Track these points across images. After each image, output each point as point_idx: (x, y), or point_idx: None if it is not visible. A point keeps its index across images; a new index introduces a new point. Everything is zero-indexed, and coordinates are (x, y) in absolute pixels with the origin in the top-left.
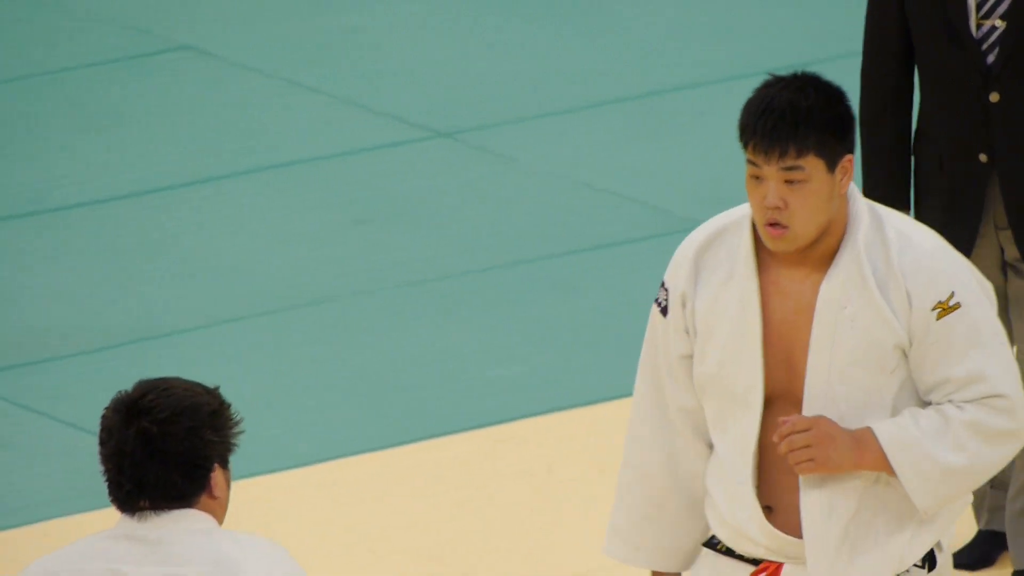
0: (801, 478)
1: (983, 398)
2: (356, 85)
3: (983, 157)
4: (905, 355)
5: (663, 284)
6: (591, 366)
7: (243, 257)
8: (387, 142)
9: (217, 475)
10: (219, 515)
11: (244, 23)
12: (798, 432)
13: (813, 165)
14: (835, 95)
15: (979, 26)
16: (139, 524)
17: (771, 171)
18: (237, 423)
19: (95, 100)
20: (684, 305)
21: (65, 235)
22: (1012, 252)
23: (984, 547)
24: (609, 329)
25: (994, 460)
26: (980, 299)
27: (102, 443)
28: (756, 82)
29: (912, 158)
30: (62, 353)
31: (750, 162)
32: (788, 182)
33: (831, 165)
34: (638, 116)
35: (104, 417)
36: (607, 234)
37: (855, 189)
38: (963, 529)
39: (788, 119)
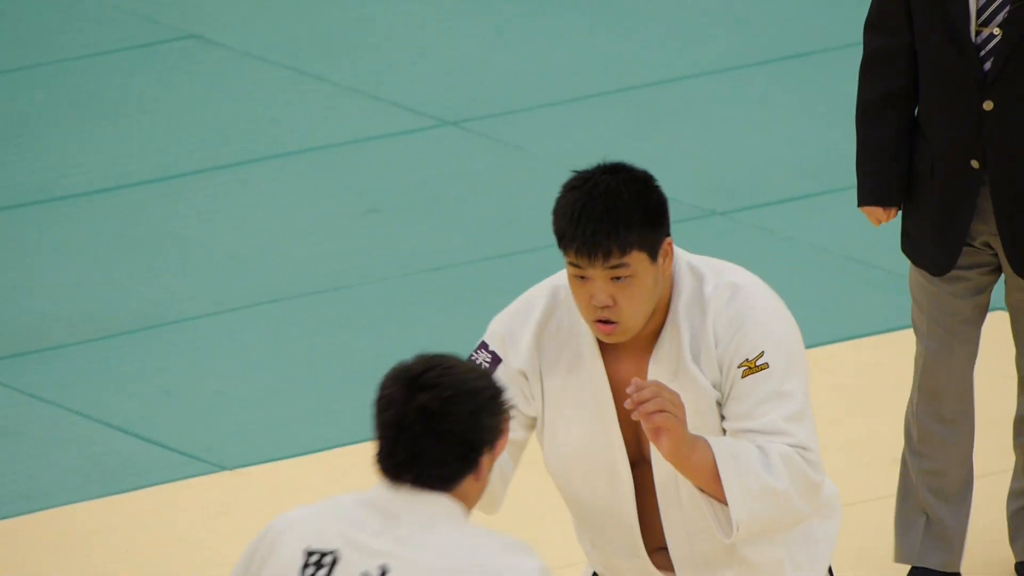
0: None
1: (789, 446)
2: (363, 74)
3: (975, 163)
4: None
5: (486, 347)
6: None
7: (252, 246)
8: (394, 131)
9: (486, 459)
10: (476, 498)
11: (251, 12)
12: (644, 391)
13: (637, 259)
14: (645, 183)
15: (978, 32)
16: (393, 496)
17: (596, 272)
18: (508, 410)
19: (102, 89)
20: (526, 378)
21: (73, 224)
22: (1002, 259)
23: None
24: None
25: (798, 503)
26: (793, 365)
27: (380, 410)
28: (765, 70)
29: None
30: (70, 341)
31: (573, 265)
32: (615, 279)
33: (653, 255)
34: (645, 105)
35: (384, 385)
36: None
37: (679, 254)
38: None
39: (607, 222)
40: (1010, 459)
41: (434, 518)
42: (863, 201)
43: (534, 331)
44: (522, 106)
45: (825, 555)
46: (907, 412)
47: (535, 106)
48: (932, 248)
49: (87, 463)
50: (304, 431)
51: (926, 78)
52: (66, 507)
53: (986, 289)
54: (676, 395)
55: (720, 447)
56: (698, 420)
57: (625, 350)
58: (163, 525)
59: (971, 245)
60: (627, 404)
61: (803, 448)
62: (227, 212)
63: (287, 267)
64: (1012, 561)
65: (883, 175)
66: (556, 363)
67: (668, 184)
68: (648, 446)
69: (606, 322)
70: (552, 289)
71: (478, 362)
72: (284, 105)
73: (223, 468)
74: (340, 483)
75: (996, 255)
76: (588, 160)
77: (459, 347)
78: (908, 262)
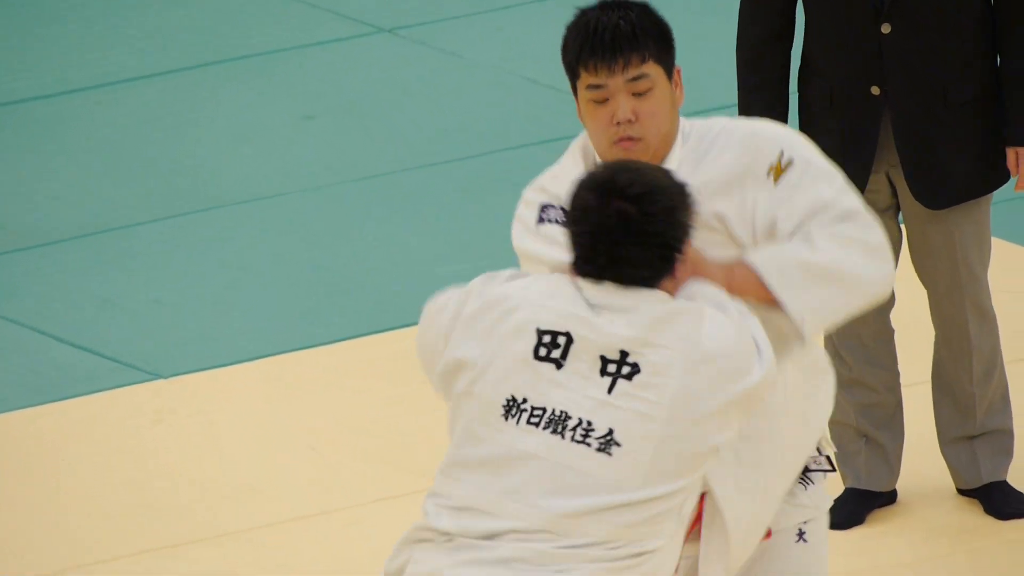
0: None
1: (836, 219)
2: None
3: (875, 90)
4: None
5: (547, 205)
6: None
7: (190, 154)
8: (330, 38)
9: (680, 256)
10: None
11: None
12: None
13: (655, 72)
14: (652, 10)
15: None
16: (605, 292)
17: (617, 85)
18: (695, 206)
19: None
20: None
21: (9, 132)
22: (903, 189)
23: (852, 505)
24: None
25: (863, 270)
26: (811, 150)
27: (575, 221)
28: None
29: (797, 96)
30: (7, 249)
31: (591, 87)
32: (636, 94)
33: (668, 73)
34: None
35: (576, 196)
36: (552, 129)
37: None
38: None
39: (624, 30)
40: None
41: (652, 303)
42: None
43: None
44: (457, 13)
45: (825, 411)
46: (828, 348)
47: (471, 12)
48: None
49: (25, 371)
50: (241, 339)
51: (816, 10)
52: (3, 415)
53: (891, 230)
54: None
55: (757, 257)
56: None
57: None
58: (101, 433)
59: (874, 175)
60: None
61: (852, 213)
62: (165, 120)
63: (225, 175)
64: (940, 475)
65: (771, 116)
66: None
67: None
68: None
69: (629, 139)
70: (582, 149)
71: (552, 218)
72: (221, 12)
73: (160, 376)
74: (277, 391)
75: (895, 192)
76: (524, 67)
77: (396, 255)
78: None
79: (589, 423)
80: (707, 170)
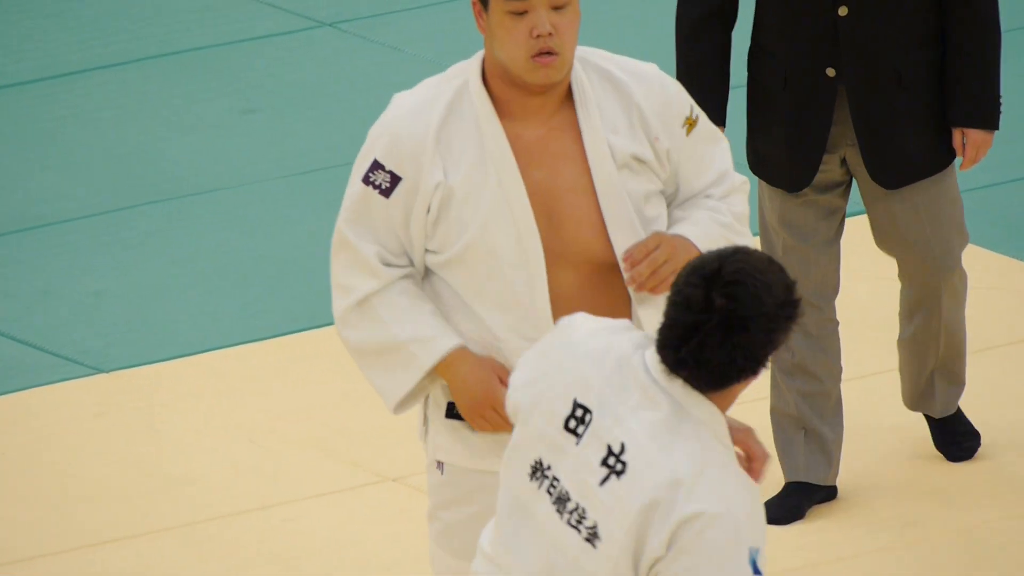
0: None
1: (731, 190)
2: None
3: (830, 71)
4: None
5: (378, 164)
6: None
7: (131, 146)
8: (272, 32)
9: (762, 369)
10: (731, 404)
11: None
12: (653, 251)
13: None
14: None
15: None
16: (664, 382)
17: (539, 0)
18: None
19: None
20: (419, 190)
21: None
22: (858, 168)
23: (792, 500)
24: None
25: (747, 238)
26: (698, 107)
27: (675, 304)
28: None
29: (747, 76)
30: None
31: None
32: (555, 8)
33: None
34: None
35: (685, 282)
36: None
37: None
38: (770, 483)
39: None
40: (880, 361)
41: (684, 420)
42: None
43: (435, 132)
44: (399, 7)
45: None
46: None
47: (412, 7)
48: (788, 163)
49: None
50: (183, 333)
51: None
52: None
53: (839, 211)
54: (672, 239)
55: (701, 241)
56: (633, 164)
57: (531, 113)
58: (42, 427)
59: (827, 155)
60: (630, 264)
61: (740, 185)
62: (107, 112)
63: (166, 167)
64: (880, 469)
65: (710, 94)
66: (460, 155)
67: None
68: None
69: (548, 53)
70: (461, 83)
71: (376, 183)
72: (163, 5)
73: (101, 370)
74: (219, 385)
75: (848, 172)
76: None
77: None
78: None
79: (584, 510)
80: (614, 106)
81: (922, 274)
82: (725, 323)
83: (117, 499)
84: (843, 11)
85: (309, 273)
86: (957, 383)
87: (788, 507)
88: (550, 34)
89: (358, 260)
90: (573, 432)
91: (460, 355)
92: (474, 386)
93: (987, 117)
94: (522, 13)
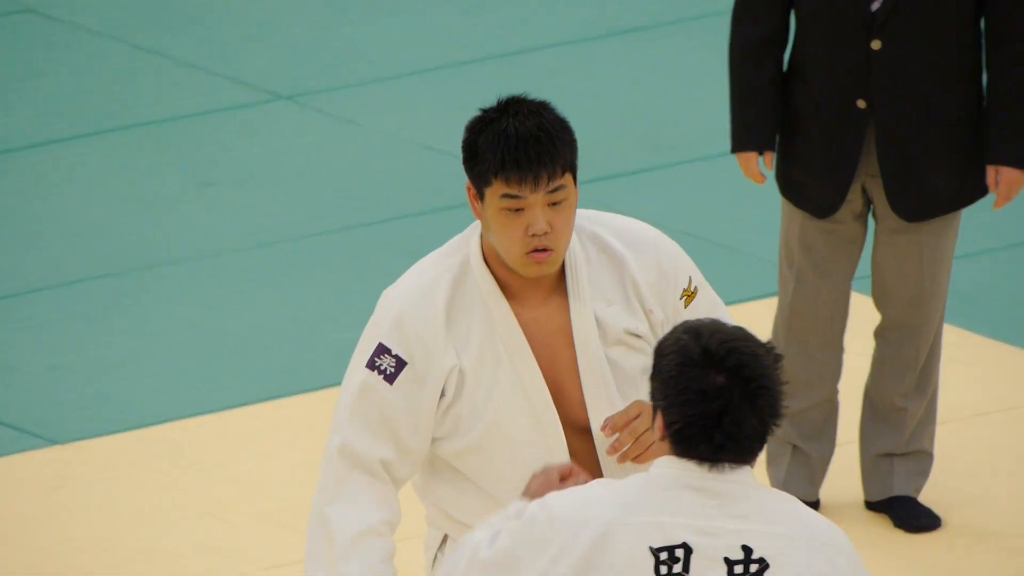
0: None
1: None
2: (199, 48)
3: (861, 103)
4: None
5: (383, 348)
6: None
7: (88, 220)
8: (230, 105)
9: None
10: None
11: None
12: (633, 420)
13: (569, 182)
14: (556, 112)
15: None
16: (714, 477)
17: (536, 198)
18: None
19: None
20: (428, 375)
21: None
22: (880, 200)
23: None
24: None
25: None
26: (700, 275)
27: (687, 403)
28: (611, 43)
29: (784, 100)
30: None
31: (508, 196)
32: (552, 204)
33: (575, 179)
34: (479, 79)
35: (685, 376)
36: (452, 196)
37: None
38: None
39: (546, 144)
40: None
41: (755, 489)
42: (740, 147)
43: (444, 313)
44: (356, 80)
45: None
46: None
47: (368, 81)
48: (819, 188)
49: None
50: (140, 405)
51: (808, 19)
52: None
53: (857, 241)
54: (647, 407)
55: None
56: (625, 341)
57: (528, 294)
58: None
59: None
60: (610, 432)
61: None
62: (64, 186)
63: (123, 241)
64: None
65: (761, 120)
66: (468, 335)
67: None
68: (570, 402)
69: (542, 250)
70: (462, 260)
71: (382, 368)
72: (120, 79)
73: (58, 442)
74: (177, 456)
75: (869, 202)
76: (422, 134)
77: (295, 320)
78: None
79: None
80: (609, 278)
81: (910, 319)
82: (747, 394)
83: (77, 572)
84: (877, 45)
85: (266, 345)
86: (922, 472)
87: None
88: (546, 233)
89: (359, 462)
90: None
91: None
92: None
93: (1022, 156)
94: (518, 210)
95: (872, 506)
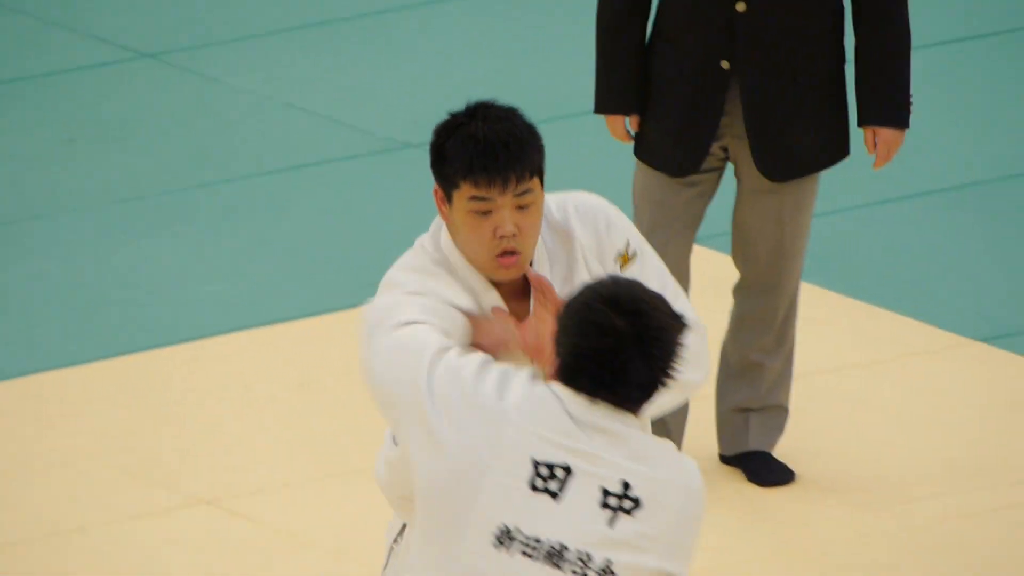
0: None
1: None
2: (63, 6)
3: (725, 64)
4: None
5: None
6: (298, 283)
7: None
8: (93, 63)
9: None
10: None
11: None
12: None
13: (536, 185)
14: (524, 116)
15: None
16: (593, 411)
17: (505, 200)
18: None
19: None
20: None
21: None
22: (744, 161)
23: None
24: (311, 247)
25: (699, 378)
26: (646, 244)
27: (583, 335)
28: (465, 5)
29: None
30: None
31: (476, 199)
32: (520, 207)
33: (543, 181)
34: (343, 37)
35: (584, 310)
36: (313, 154)
37: None
38: None
39: (514, 148)
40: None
41: (641, 432)
42: (606, 109)
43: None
44: (221, 39)
45: None
46: None
47: (233, 39)
48: (675, 149)
49: None
50: (0, 357)
51: None
52: None
53: (710, 196)
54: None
55: None
56: None
57: (504, 290)
58: None
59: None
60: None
61: (697, 324)
62: None
63: None
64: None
65: (628, 84)
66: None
67: (361, 117)
68: None
69: (510, 253)
70: (439, 259)
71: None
72: None
73: None
74: (35, 409)
75: (725, 160)
76: (285, 93)
77: (157, 275)
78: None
79: (588, 555)
80: (563, 255)
81: (769, 276)
82: (641, 340)
83: None
84: (741, 7)
85: (128, 299)
86: (777, 427)
87: None
88: (514, 235)
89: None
90: (543, 491)
91: None
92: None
93: (899, 115)
94: (486, 212)
95: (726, 460)
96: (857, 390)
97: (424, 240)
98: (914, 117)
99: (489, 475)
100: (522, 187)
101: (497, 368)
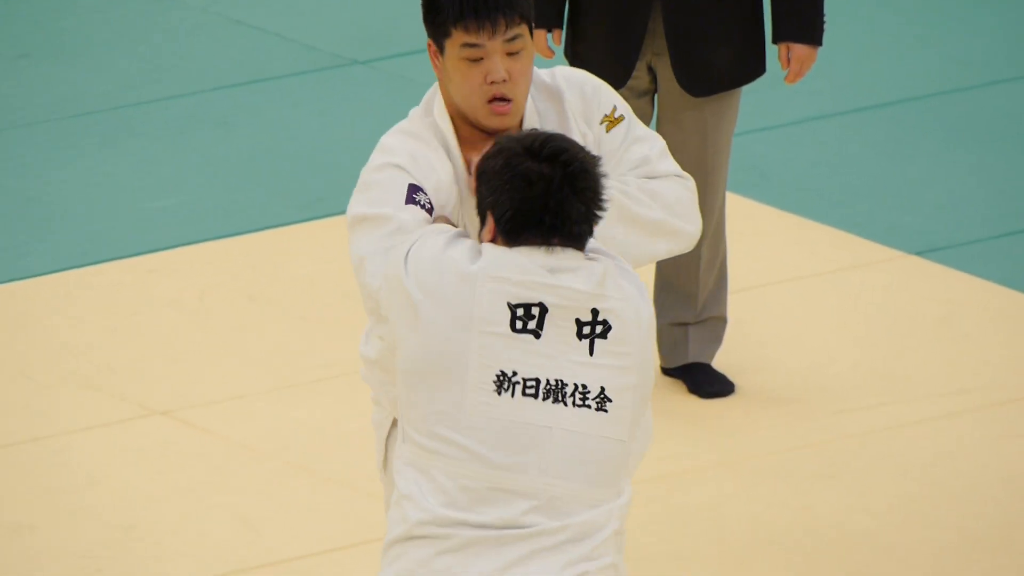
0: None
1: (655, 175)
2: None
3: None
4: None
5: (416, 187)
6: (248, 198)
7: None
8: None
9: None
10: None
11: None
12: None
13: (525, 33)
14: None
15: None
16: (553, 256)
17: (494, 46)
18: None
19: None
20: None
21: None
22: (666, 77)
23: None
24: (261, 162)
25: (658, 217)
26: (635, 118)
27: (517, 188)
28: None
29: None
30: None
31: (468, 46)
32: (510, 54)
33: (531, 32)
34: None
35: (511, 165)
36: (259, 70)
37: None
38: None
39: None
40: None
41: (595, 263)
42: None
43: (436, 157)
44: None
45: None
46: None
47: None
48: (605, 65)
49: None
50: None
51: None
52: None
53: (647, 120)
54: None
55: None
56: None
57: (483, 146)
58: None
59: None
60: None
61: (667, 174)
62: None
63: None
64: None
65: (550, 7)
66: (429, 172)
67: (309, 33)
68: None
69: (502, 100)
70: (430, 123)
71: (421, 203)
72: None
73: None
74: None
75: (654, 81)
76: (232, 9)
77: (108, 190)
78: None
79: (584, 386)
80: (554, 117)
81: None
82: (567, 177)
83: None
84: None
85: (80, 213)
86: (715, 338)
87: None
88: (504, 80)
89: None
90: (524, 331)
91: None
92: None
93: (812, 33)
94: (477, 60)
95: (668, 372)
96: (795, 303)
97: (415, 109)
98: (855, 33)
99: (473, 329)
100: (512, 32)
101: (467, 240)
